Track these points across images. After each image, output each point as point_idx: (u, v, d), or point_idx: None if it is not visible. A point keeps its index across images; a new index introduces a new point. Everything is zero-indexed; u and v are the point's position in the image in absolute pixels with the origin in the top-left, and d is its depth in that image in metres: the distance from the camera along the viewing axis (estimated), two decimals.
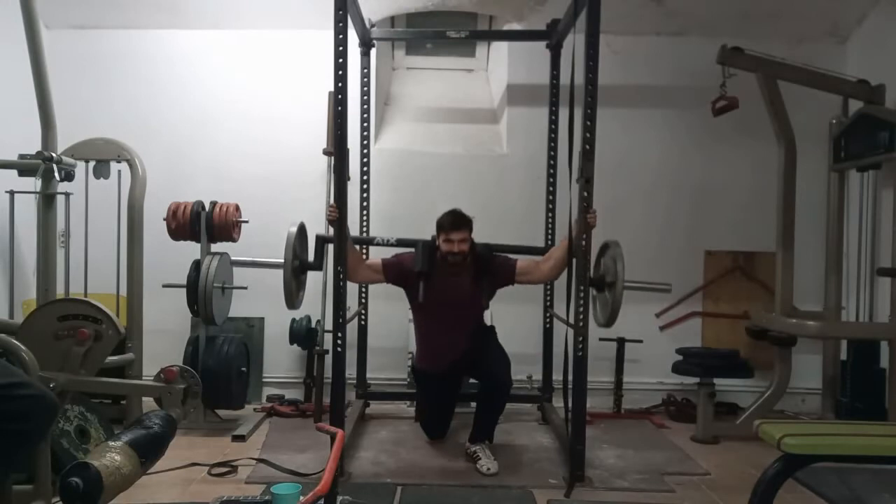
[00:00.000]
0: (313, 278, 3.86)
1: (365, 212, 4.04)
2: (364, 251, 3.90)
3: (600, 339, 3.98)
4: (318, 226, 3.58)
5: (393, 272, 3.32)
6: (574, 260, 2.97)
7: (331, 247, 3.05)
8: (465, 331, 3.32)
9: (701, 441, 3.58)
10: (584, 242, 2.93)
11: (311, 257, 3.29)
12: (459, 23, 4.45)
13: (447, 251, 3.18)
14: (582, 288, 2.93)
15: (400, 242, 3.46)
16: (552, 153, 3.97)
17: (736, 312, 4.26)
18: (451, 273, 3.23)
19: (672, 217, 4.32)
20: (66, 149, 3.16)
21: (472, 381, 3.60)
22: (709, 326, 4.33)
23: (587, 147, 2.89)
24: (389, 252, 3.48)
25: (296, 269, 3.11)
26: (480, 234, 3.33)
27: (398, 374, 4.28)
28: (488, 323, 3.58)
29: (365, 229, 4.02)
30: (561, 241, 3.22)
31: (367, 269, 3.36)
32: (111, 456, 1.89)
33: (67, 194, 3.31)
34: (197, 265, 3.63)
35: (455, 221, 3.20)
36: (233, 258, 3.56)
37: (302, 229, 3.18)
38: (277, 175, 4.26)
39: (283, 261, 3.06)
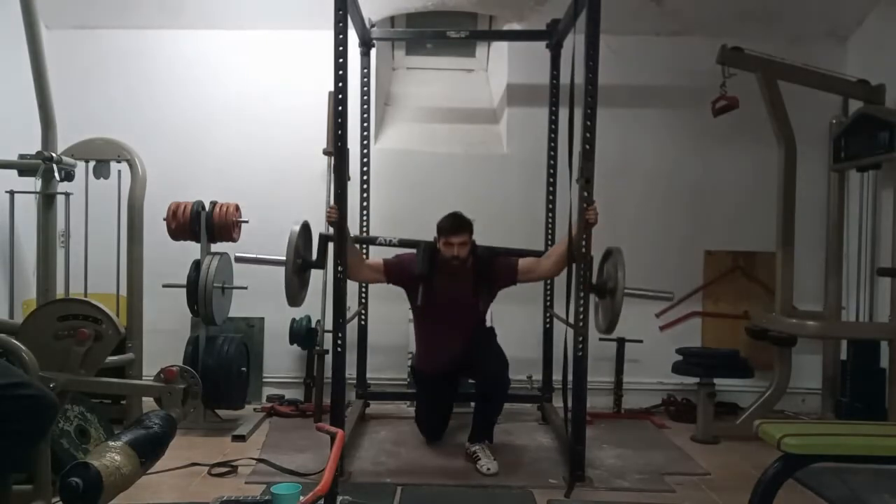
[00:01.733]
0: (314, 277, 3.87)
1: (365, 212, 4.04)
2: (365, 251, 3.90)
3: (600, 339, 3.96)
4: (318, 226, 3.58)
5: (394, 273, 3.32)
6: (573, 259, 2.97)
7: (332, 245, 3.04)
8: (464, 332, 3.32)
9: (701, 441, 3.58)
10: (584, 241, 2.93)
11: (313, 257, 3.28)
12: (459, 23, 4.45)
13: (448, 255, 3.18)
14: (582, 288, 2.93)
15: (402, 243, 3.46)
16: (552, 153, 3.97)
17: (736, 312, 4.26)
18: (451, 275, 3.23)
19: (672, 217, 4.32)
20: (66, 149, 3.16)
21: (471, 381, 3.59)
22: (709, 326, 4.33)
23: (587, 147, 2.89)
24: (391, 252, 3.48)
25: (298, 267, 3.09)
26: (480, 235, 3.33)
27: (398, 374, 4.28)
28: (489, 324, 3.58)
29: (365, 229, 4.02)
30: (562, 238, 3.22)
31: (368, 269, 3.36)
32: (111, 456, 1.89)
33: (67, 194, 3.31)
34: (197, 265, 3.63)
35: (455, 225, 3.20)
36: (237, 254, 3.52)
37: (305, 227, 3.18)
38: (277, 175, 4.26)
39: (285, 258, 3.03)
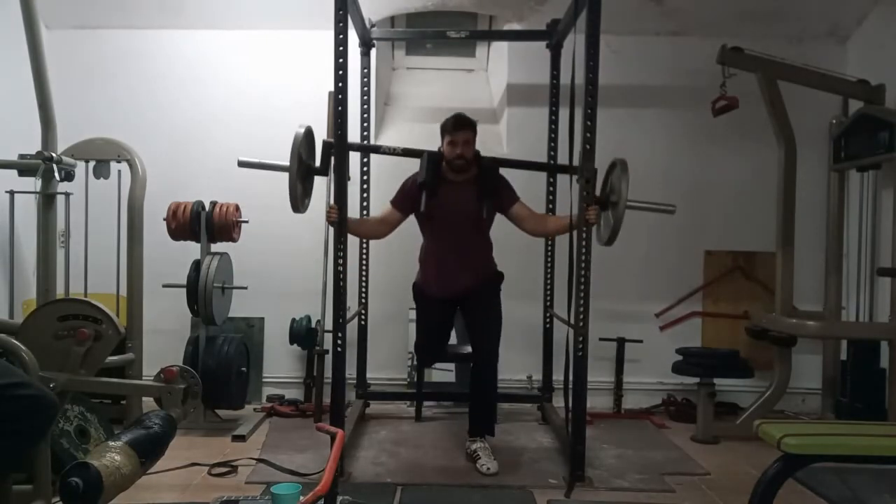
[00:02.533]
0: (314, 277, 3.87)
1: (365, 212, 4.04)
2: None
3: (600, 339, 3.99)
4: (318, 226, 3.59)
5: (402, 203, 3.24)
6: (574, 259, 2.97)
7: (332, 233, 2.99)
8: (470, 248, 3.25)
9: (701, 441, 3.58)
10: (584, 243, 2.93)
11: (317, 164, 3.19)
12: (459, 23, 4.45)
13: (451, 155, 3.13)
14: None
15: (406, 152, 3.41)
16: (552, 153, 3.97)
17: (736, 312, 4.26)
18: (455, 183, 3.18)
19: (672, 217, 4.30)
20: (66, 149, 3.16)
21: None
22: (709, 326, 4.33)
23: (587, 147, 2.90)
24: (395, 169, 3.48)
25: (302, 172, 3.02)
26: None
27: (398, 374, 4.28)
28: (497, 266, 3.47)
29: (368, 217, 4.02)
30: (563, 214, 3.18)
31: (383, 224, 3.29)
32: (111, 456, 1.89)
33: (67, 194, 3.31)
34: (197, 265, 3.63)
35: (458, 121, 3.14)
36: (239, 158, 3.37)
37: (308, 133, 3.08)
38: (277, 175, 4.24)
39: (288, 163, 2.95)
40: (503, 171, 3.32)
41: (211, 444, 3.34)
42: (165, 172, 3.85)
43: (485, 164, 3.22)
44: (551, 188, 3.97)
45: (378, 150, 3.70)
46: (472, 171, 3.19)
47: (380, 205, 4.09)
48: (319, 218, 3.43)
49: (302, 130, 2.99)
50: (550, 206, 3.98)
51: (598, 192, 3.03)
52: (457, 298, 3.31)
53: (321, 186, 4.04)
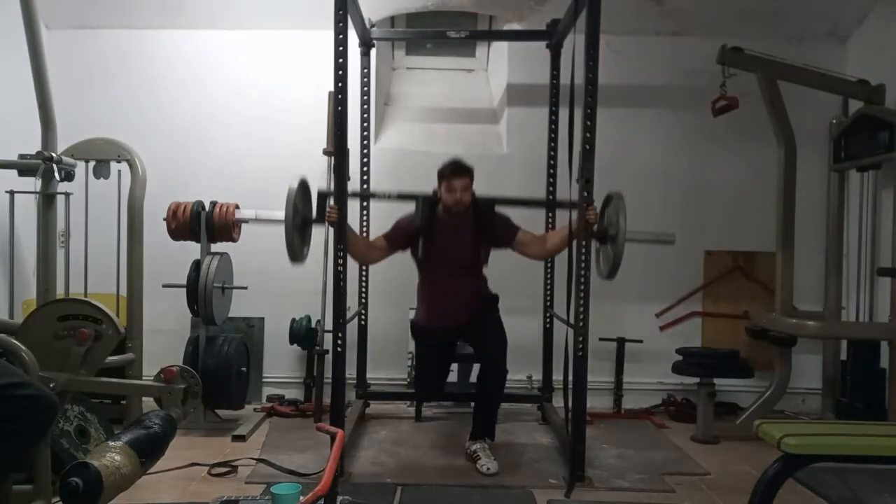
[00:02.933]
0: (314, 278, 3.87)
1: (365, 212, 4.04)
2: (365, 207, 3.97)
3: (600, 339, 3.99)
4: (318, 226, 3.58)
5: (396, 241, 3.29)
6: (574, 260, 2.97)
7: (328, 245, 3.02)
8: (465, 286, 3.28)
9: (701, 441, 3.58)
10: (584, 243, 2.93)
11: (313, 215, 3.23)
12: (459, 23, 4.45)
13: (449, 201, 3.15)
14: (582, 288, 2.93)
15: (401, 196, 3.44)
16: (552, 153, 3.97)
17: (736, 312, 4.26)
18: (451, 226, 3.20)
19: (672, 217, 4.31)
20: (66, 149, 3.16)
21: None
22: (709, 326, 4.33)
23: (587, 147, 2.90)
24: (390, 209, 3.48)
25: (298, 224, 3.03)
26: None
27: (398, 374, 4.28)
28: (492, 290, 3.49)
29: (365, 229, 4.02)
30: (562, 226, 3.20)
31: (375, 251, 3.34)
32: (111, 456, 1.89)
33: (67, 194, 3.31)
34: (197, 265, 3.63)
35: (457, 168, 3.16)
36: (237, 216, 3.40)
37: (303, 185, 3.11)
38: (277, 175, 4.23)
39: (284, 215, 2.98)
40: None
41: (211, 444, 3.34)
42: (165, 172, 3.85)
43: (480, 204, 3.25)
44: (551, 193, 3.96)
45: (373, 196, 3.75)
46: (469, 214, 3.22)
47: (380, 205, 4.11)
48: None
49: (296, 184, 3.01)
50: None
51: (595, 226, 3.04)
52: (456, 332, 3.36)
53: (321, 187, 4.05)
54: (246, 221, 3.51)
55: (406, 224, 3.29)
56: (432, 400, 3.77)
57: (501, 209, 3.35)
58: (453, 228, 3.22)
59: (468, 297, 3.28)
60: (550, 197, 3.95)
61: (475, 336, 3.32)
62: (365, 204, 4.04)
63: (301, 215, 3.05)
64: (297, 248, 3.03)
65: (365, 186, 4.05)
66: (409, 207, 3.34)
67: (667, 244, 3.26)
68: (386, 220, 3.49)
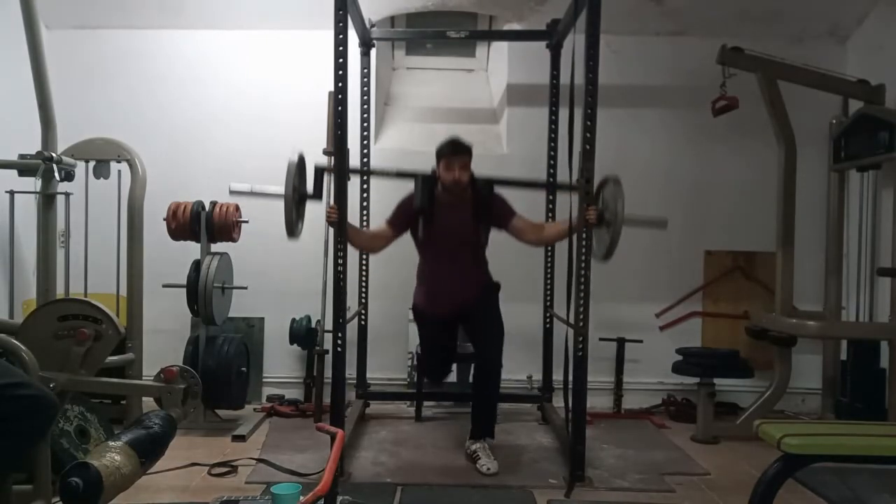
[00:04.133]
0: (315, 277, 3.88)
1: (365, 212, 4.04)
2: (366, 184, 3.98)
3: (600, 339, 4.00)
4: (318, 226, 3.59)
5: (398, 224, 3.26)
6: (574, 260, 2.97)
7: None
8: (465, 266, 3.26)
9: (701, 441, 3.58)
10: (584, 243, 2.93)
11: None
12: (459, 23, 4.45)
13: (448, 180, 3.14)
14: (582, 288, 2.92)
15: (400, 174, 3.45)
16: (552, 153, 3.97)
17: (736, 312, 4.26)
18: (451, 205, 3.19)
19: (672, 217, 4.27)
20: (66, 149, 3.16)
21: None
22: (709, 326, 4.33)
23: (587, 147, 2.90)
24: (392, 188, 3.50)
25: (296, 199, 3.02)
26: None
27: (398, 374, 4.28)
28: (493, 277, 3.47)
29: (365, 214, 4.03)
30: (562, 219, 3.18)
31: (378, 239, 3.31)
32: (111, 456, 1.89)
33: (67, 194, 3.31)
34: (197, 265, 3.63)
35: (455, 148, 3.15)
36: (231, 186, 3.37)
37: (301, 161, 3.09)
38: (277, 175, 4.24)
39: (284, 190, 2.96)
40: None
41: (211, 444, 3.34)
42: (165, 172, 3.85)
43: (479, 185, 3.24)
44: (551, 193, 3.96)
45: (373, 173, 3.74)
46: (467, 193, 3.21)
47: (380, 205, 4.11)
48: (319, 218, 3.43)
49: (295, 158, 3.00)
50: (550, 208, 3.97)
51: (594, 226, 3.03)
52: (456, 316, 3.33)
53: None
54: (241, 194, 3.39)
55: (407, 203, 3.26)
56: (438, 384, 3.73)
57: (501, 192, 3.33)
58: (452, 207, 3.20)
59: (468, 278, 3.26)
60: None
61: (472, 328, 3.30)
62: (365, 186, 4.04)
63: (298, 191, 3.04)
64: (293, 223, 3.01)
65: (365, 186, 4.05)
66: (408, 187, 3.31)
67: (659, 228, 3.26)
68: (387, 206, 3.47)
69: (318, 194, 3.16)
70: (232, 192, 3.30)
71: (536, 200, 3.98)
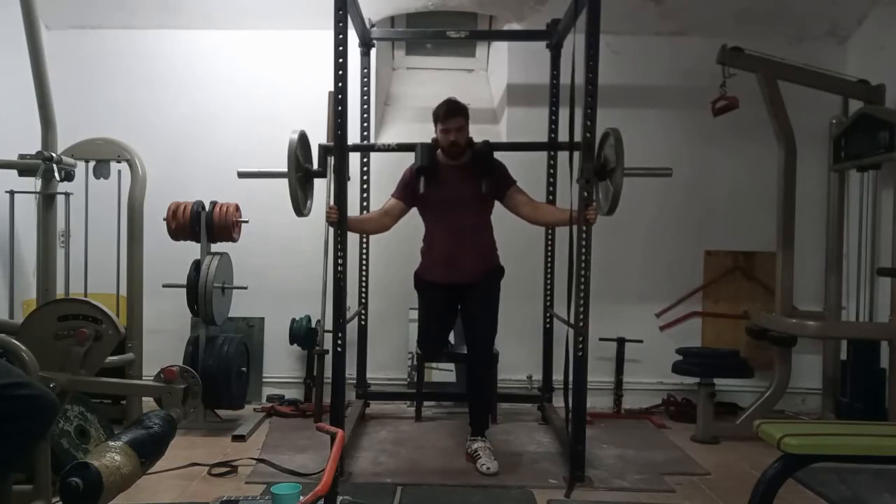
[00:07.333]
0: (314, 277, 3.88)
1: (365, 212, 4.04)
2: (366, 159, 4.01)
3: (600, 339, 4.00)
4: (318, 226, 3.59)
5: (405, 195, 3.22)
6: (574, 259, 2.96)
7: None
8: (469, 231, 3.22)
9: (701, 441, 3.58)
10: (584, 242, 2.92)
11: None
12: (459, 23, 4.46)
13: (445, 142, 3.13)
14: (582, 288, 2.92)
15: (400, 147, 3.45)
16: (552, 153, 3.97)
17: (736, 312, 4.26)
18: (452, 168, 3.19)
19: (672, 217, 4.32)
20: (66, 149, 3.17)
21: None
22: (709, 326, 4.33)
23: (587, 147, 2.89)
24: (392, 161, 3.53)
25: (301, 177, 3.03)
26: None
27: (398, 374, 4.28)
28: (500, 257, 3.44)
29: (366, 214, 4.02)
30: (563, 208, 3.14)
31: (387, 217, 3.25)
32: (111, 456, 1.89)
33: (67, 194, 3.31)
34: (197, 265, 3.63)
35: (451, 109, 3.14)
36: (238, 170, 3.37)
37: (303, 137, 3.09)
38: None
39: (287, 169, 2.96)
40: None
41: (211, 444, 3.34)
42: (165, 172, 3.86)
43: (478, 148, 3.23)
44: (551, 193, 3.96)
45: (373, 148, 3.75)
46: (467, 156, 3.20)
47: (380, 205, 4.11)
48: (319, 218, 3.43)
49: (296, 136, 3.00)
50: (551, 188, 3.96)
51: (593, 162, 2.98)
52: (458, 286, 3.27)
53: (321, 188, 4.05)
54: (249, 177, 3.36)
55: (409, 172, 3.24)
56: (435, 360, 3.74)
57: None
58: (454, 170, 3.19)
59: (471, 247, 3.22)
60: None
61: (468, 312, 3.27)
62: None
63: (303, 169, 3.05)
64: (300, 201, 3.03)
65: (365, 187, 4.05)
66: (409, 160, 3.29)
67: (664, 176, 3.24)
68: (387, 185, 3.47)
69: (323, 172, 3.16)
70: (240, 175, 3.27)
71: (538, 171, 3.99)
